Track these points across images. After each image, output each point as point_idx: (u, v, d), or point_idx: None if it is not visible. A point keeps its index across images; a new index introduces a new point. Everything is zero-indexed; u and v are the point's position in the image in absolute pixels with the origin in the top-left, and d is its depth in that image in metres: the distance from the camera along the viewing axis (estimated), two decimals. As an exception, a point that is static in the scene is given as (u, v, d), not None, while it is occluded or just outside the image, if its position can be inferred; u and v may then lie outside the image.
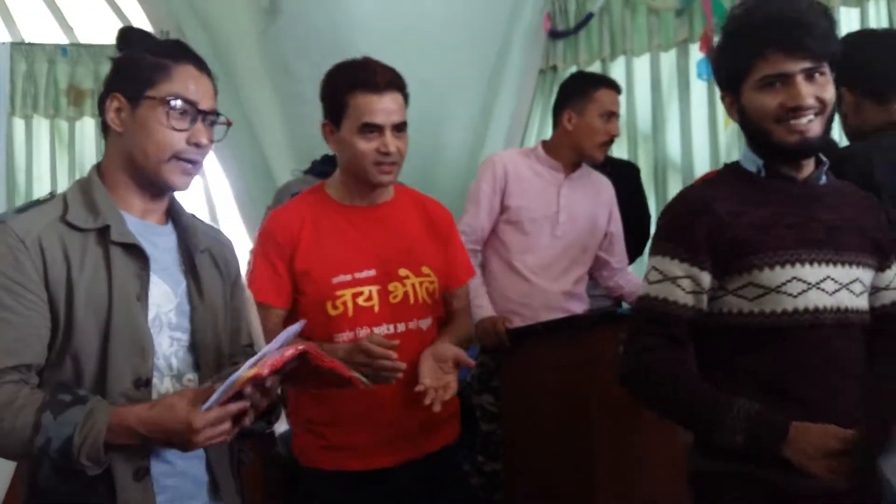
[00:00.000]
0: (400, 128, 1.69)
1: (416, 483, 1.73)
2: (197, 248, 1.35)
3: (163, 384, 1.27)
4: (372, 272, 1.70)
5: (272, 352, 1.18)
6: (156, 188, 1.30)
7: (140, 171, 1.28)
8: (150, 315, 1.26)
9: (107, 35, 4.43)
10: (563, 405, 2.10)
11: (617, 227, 2.63)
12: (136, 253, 1.25)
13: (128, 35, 1.36)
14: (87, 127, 4.31)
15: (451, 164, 3.57)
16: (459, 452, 1.90)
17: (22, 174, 4.25)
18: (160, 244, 1.32)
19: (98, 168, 1.32)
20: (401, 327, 1.71)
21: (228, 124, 1.34)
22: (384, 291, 1.70)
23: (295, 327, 1.28)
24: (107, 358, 1.21)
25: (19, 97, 4.21)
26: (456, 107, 3.53)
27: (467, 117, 3.64)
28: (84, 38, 4.40)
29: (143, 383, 1.23)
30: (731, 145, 3.37)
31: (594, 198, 2.57)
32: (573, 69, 3.68)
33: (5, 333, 1.16)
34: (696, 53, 3.41)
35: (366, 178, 1.70)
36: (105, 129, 1.31)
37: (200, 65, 1.31)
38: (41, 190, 4.27)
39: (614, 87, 2.59)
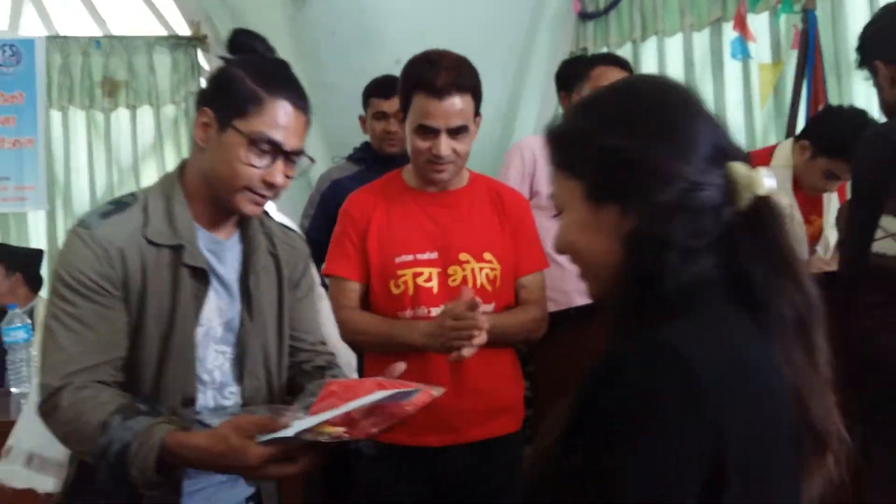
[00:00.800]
0: (459, 130, 1.70)
1: (466, 468, 1.74)
2: (255, 265, 1.34)
3: (206, 396, 1.29)
4: (434, 255, 1.75)
5: (358, 407, 1.06)
6: (226, 210, 1.29)
7: (214, 191, 1.27)
8: (202, 331, 1.28)
9: (139, 26, 4.49)
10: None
11: None
12: (201, 274, 1.27)
13: (239, 40, 1.33)
14: (122, 118, 4.37)
15: (480, 149, 3.55)
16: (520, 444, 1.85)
17: (60, 164, 4.32)
18: (224, 259, 1.32)
19: (181, 170, 1.32)
20: None
21: (311, 161, 1.30)
22: (443, 274, 1.75)
23: (384, 394, 1.11)
24: (161, 374, 1.23)
25: (55, 89, 4.26)
26: (484, 91, 3.51)
27: (496, 102, 3.61)
28: (117, 30, 4.45)
29: (189, 402, 1.25)
30: (767, 125, 3.32)
31: None
32: (604, 51, 3.64)
33: (97, 331, 1.19)
34: (729, 33, 3.35)
35: (421, 174, 1.77)
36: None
37: (297, 99, 1.25)
38: (79, 180, 4.35)
39: (615, 63, 2.52)
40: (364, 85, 2.75)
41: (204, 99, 1.28)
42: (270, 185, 1.24)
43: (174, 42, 4.36)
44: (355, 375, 1.63)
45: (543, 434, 0.80)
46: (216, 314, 1.30)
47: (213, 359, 1.30)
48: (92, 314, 1.18)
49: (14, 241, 4.20)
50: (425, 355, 1.67)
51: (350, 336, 1.78)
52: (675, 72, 3.51)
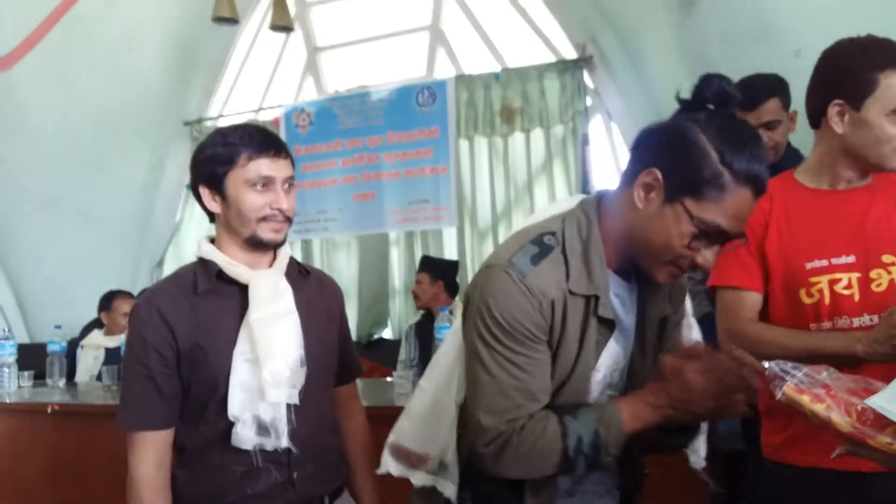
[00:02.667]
0: None
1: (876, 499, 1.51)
2: (655, 316, 1.31)
3: None
4: (851, 258, 1.58)
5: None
6: (637, 266, 1.25)
7: (633, 250, 1.22)
8: (598, 376, 1.28)
9: (531, 56, 4.89)
10: None
11: None
12: (608, 323, 1.25)
13: (710, 87, 1.18)
14: (518, 141, 4.79)
15: None
16: None
17: (468, 187, 4.88)
18: (627, 303, 1.30)
19: (598, 209, 1.27)
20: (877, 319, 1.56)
21: (744, 241, 1.22)
22: (865, 279, 1.57)
23: None
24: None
25: (462, 121, 4.85)
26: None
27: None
28: (512, 62, 4.92)
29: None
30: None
31: None
32: None
33: (538, 379, 1.20)
34: None
35: (879, 163, 1.58)
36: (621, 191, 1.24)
37: (760, 184, 1.15)
38: (483, 199, 4.86)
39: None
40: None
41: (654, 159, 1.17)
42: (693, 266, 1.19)
43: (562, 66, 4.66)
44: None
45: None
46: (613, 360, 1.29)
47: (604, 397, 1.30)
48: (529, 361, 1.19)
49: (433, 253, 4.86)
50: (854, 369, 1.49)
51: (751, 349, 1.59)
52: None
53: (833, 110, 1.57)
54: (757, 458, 1.72)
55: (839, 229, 1.60)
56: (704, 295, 2.62)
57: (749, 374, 1.14)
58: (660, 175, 1.15)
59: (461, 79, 4.86)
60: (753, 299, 1.64)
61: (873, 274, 1.56)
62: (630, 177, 1.21)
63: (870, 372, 1.42)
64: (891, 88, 1.51)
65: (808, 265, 1.58)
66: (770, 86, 2.45)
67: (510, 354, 1.18)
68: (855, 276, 1.56)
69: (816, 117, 1.63)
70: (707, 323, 2.57)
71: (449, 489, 1.34)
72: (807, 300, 1.58)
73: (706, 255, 1.16)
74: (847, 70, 1.55)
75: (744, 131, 1.15)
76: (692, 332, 1.48)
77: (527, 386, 1.18)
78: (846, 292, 1.56)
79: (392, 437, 1.47)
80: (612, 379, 1.30)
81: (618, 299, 1.26)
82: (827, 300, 1.57)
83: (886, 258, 1.56)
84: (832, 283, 1.57)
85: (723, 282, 1.67)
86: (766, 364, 1.11)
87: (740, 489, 2.67)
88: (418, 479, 1.41)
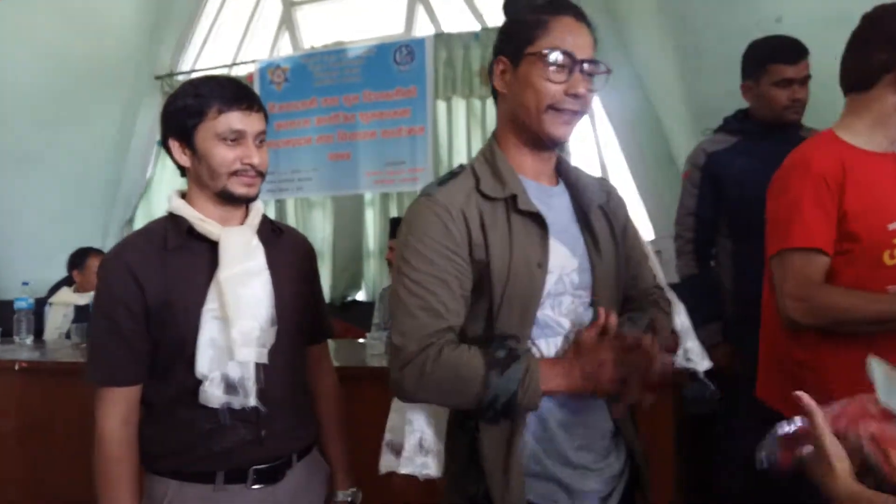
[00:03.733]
0: None
1: None
2: (590, 205, 1.37)
3: (563, 342, 1.33)
4: None
5: None
6: (540, 143, 1.33)
7: (523, 127, 1.32)
8: (553, 279, 1.30)
9: (511, 16, 4.81)
10: None
11: None
12: (538, 220, 1.29)
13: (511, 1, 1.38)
14: (497, 103, 4.74)
15: None
16: None
17: (444, 149, 4.82)
18: (555, 205, 1.36)
19: (495, 135, 1.38)
20: None
21: (608, 72, 1.31)
22: None
23: None
24: (494, 321, 1.27)
25: (441, 82, 4.76)
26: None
27: None
28: (493, 21, 4.82)
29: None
30: None
31: None
32: None
33: (446, 294, 1.25)
34: None
35: None
36: (494, 94, 1.37)
37: (579, 15, 1.31)
38: (460, 162, 4.78)
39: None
40: (738, 47, 2.60)
41: (495, 53, 1.35)
42: (574, 97, 1.27)
43: (543, 28, 4.58)
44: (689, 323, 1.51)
45: None
46: (566, 260, 1.32)
47: (570, 303, 1.33)
48: (434, 281, 1.24)
49: (408, 215, 4.82)
50: None
51: (827, 315, 1.59)
52: None
53: None
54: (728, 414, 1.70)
55: None
56: (692, 255, 2.63)
57: (652, 359, 1.23)
58: (503, 57, 1.33)
59: (440, 37, 4.77)
60: (825, 262, 1.62)
61: None
62: (493, 89, 1.37)
63: None
64: None
65: (891, 226, 1.58)
66: (804, 46, 2.47)
67: (416, 275, 1.25)
68: None
69: (867, 80, 1.65)
70: (690, 284, 2.61)
71: (433, 469, 1.38)
72: (889, 262, 1.58)
73: (574, 83, 1.27)
74: None
75: None
76: (681, 317, 1.47)
77: (429, 304, 1.24)
78: None
79: (387, 436, 1.48)
80: (573, 279, 1.33)
81: (542, 203, 1.31)
82: None
83: None
84: None
85: (797, 243, 1.63)
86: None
87: (710, 450, 2.72)
88: (407, 468, 1.43)
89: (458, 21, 4.95)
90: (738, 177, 2.49)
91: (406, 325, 1.24)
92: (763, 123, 2.53)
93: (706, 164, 2.59)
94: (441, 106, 4.81)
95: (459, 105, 4.79)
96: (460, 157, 4.80)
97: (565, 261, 1.32)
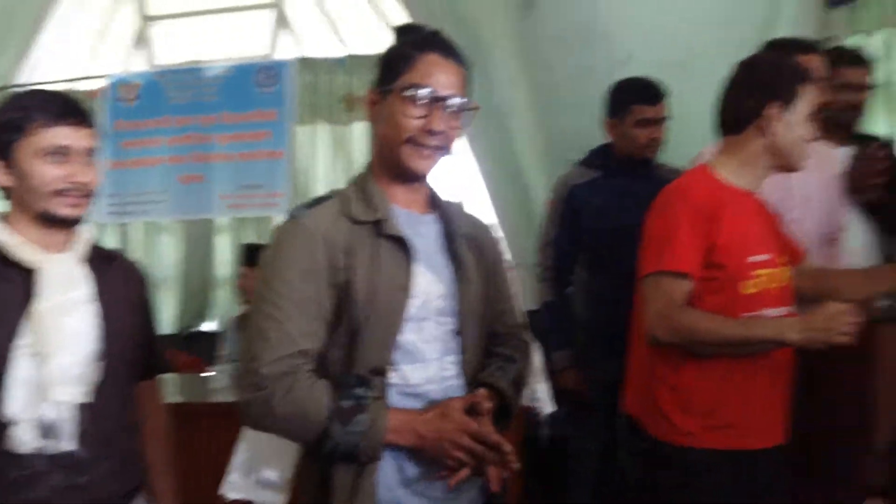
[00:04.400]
0: None
1: (778, 470, 1.73)
2: (457, 233, 1.39)
3: (427, 370, 1.32)
4: (768, 255, 1.74)
5: None
6: (402, 175, 1.34)
7: (388, 158, 1.33)
8: (417, 304, 1.30)
9: (380, 46, 4.82)
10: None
11: (838, 196, 2.30)
12: (403, 245, 1.30)
13: (399, 31, 1.42)
14: (360, 130, 4.69)
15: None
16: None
17: (305, 176, 4.73)
18: (423, 233, 1.37)
19: (370, 161, 1.40)
20: (783, 311, 1.74)
21: (475, 108, 1.34)
22: (778, 275, 1.75)
23: None
24: (356, 345, 1.27)
25: (304, 107, 4.65)
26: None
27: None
28: (359, 49, 4.80)
29: (380, 372, 1.28)
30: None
31: (818, 169, 2.18)
32: (854, 39, 3.32)
33: (303, 318, 1.24)
34: None
35: (796, 164, 1.76)
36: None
37: (447, 52, 1.32)
38: (320, 189, 4.70)
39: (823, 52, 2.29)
40: (590, 86, 2.72)
41: (371, 85, 1.36)
42: (431, 133, 1.28)
43: (408, 58, 4.62)
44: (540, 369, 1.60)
45: None
46: (431, 286, 1.33)
47: (434, 329, 1.33)
48: (289, 305, 1.23)
49: (264, 241, 4.68)
50: (773, 355, 1.68)
51: (685, 336, 1.67)
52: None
53: (772, 112, 1.70)
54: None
55: (759, 228, 1.76)
56: (551, 283, 2.70)
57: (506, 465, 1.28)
58: (374, 89, 1.35)
59: (305, 62, 4.68)
60: (689, 287, 1.70)
61: (780, 271, 1.75)
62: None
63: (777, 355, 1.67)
64: (810, 96, 1.71)
65: (750, 259, 1.71)
66: (662, 89, 2.64)
67: (275, 298, 1.24)
68: (773, 271, 1.73)
69: (739, 123, 1.76)
70: (548, 310, 2.68)
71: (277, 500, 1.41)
72: (745, 291, 1.69)
73: (432, 120, 1.28)
74: (779, 76, 1.72)
75: (417, 28, 1.39)
76: (534, 359, 1.57)
77: (284, 328, 1.23)
78: (771, 286, 1.72)
79: (236, 459, 1.49)
80: (438, 305, 1.33)
81: (410, 229, 1.33)
82: (760, 292, 1.70)
83: (781, 259, 1.77)
84: (764, 277, 1.71)
85: (667, 266, 1.70)
86: None
87: (562, 472, 2.78)
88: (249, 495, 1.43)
89: (323, 46, 4.90)
90: (596, 211, 2.61)
91: (258, 348, 1.22)
92: (623, 160, 2.66)
93: (567, 197, 2.69)
94: (303, 131, 4.71)
95: (323, 131, 4.73)
96: (321, 184, 4.73)
97: (431, 286, 1.33)
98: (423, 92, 1.28)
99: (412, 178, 1.35)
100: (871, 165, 2.23)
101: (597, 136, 2.72)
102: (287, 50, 4.99)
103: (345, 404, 1.22)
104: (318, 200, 1.34)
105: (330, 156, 4.73)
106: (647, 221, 1.79)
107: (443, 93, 1.29)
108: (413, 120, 1.28)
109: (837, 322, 1.54)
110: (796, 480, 1.82)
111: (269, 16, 5.06)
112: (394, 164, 1.33)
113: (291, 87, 4.57)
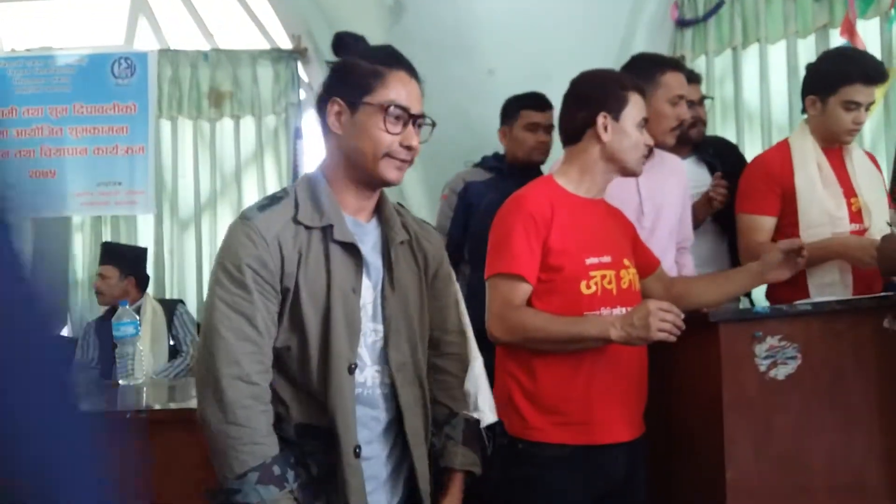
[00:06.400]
0: None
1: (627, 466, 1.83)
2: (394, 240, 1.44)
3: (362, 373, 1.39)
4: (608, 258, 1.84)
5: None
6: (370, 184, 1.42)
7: (356, 168, 1.40)
8: (368, 311, 1.40)
9: (244, 40, 4.68)
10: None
11: (687, 206, 2.50)
12: (353, 251, 1.38)
13: (343, 40, 1.47)
14: (227, 127, 4.54)
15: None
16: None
17: (168, 171, 4.53)
18: (366, 241, 1.43)
19: (323, 168, 1.45)
20: (624, 311, 1.82)
21: (433, 125, 1.44)
22: (618, 277, 1.85)
23: None
24: (328, 347, 1.34)
25: (166, 100, 4.47)
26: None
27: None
28: (224, 44, 4.66)
29: (353, 369, 1.36)
30: (876, 134, 3.16)
31: (670, 180, 2.40)
32: (702, 59, 3.56)
33: (257, 316, 1.31)
34: (837, 39, 3.22)
35: (633, 168, 1.90)
36: (325, 129, 1.43)
37: (411, 70, 1.42)
38: (185, 186, 4.54)
39: (682, 69, 2.50)
40: (457, 96, 2.81)
41: (329, 92, 1.41)
42: (409, 149, 1.38)
43: (276, 55, 4.52)
44: (484, 376, 1.68)
45: None
46: (367, 292, 1.41)
47: (370, 334, 1.40)
48: (245, 302, 1.31)
49: (124, 240, 4.44)
50: (605, 350, 1.77)
51: (518, 334, 1.78)
52: (779, 80, 3.40)
53: (601, 121, 1.84)
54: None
55: (599, 232, 1.87)
56: (461, 277, 2.78)
57: None
58: (339, 99, 1.39)
59: (165, 53, 4.48)
60: (526, 288, 1.81)
61: (622, 273, 1.86)
62: (324, 124, 1.43)
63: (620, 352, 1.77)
64: (637, 104, 1.86)
65: (588, 261, 1.81)
66: (549, 100, 2.91)
67: (228, 297, 1.30)
68: (613, 272, 1.84)
69: (575, 134, 1.90)
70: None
71: None
72: (585, 291, 1.80)
73: (408, 136, 1.37)
74: (605, 88, 1.88)
75: (375, 46, 1.46)
76: (476, 369, 1.64)
77: (239, 326, 1.30)
78: (609, 287, 1.83)
79: None
80: (368, 311, 1.41)
81: (357, 236, 1.39)
82: (599, 292, 1.81)
83: (625, 261, 1.89)
84: (603, 277, 1.82)
85: (505, 269, 1.81)
86: None
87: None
88: None
89: (185, 38, 4.70)
90: (485, 209, 2.72)
91: (215, 345, 1.29)
92: (514, 165, 2.92)
93: (463, 192, 2.94)
94: (165, 125, 4.52)
95: (186, 126, 4.55)
96: (187, 182, 4.54)
97: (367, 292, 1.41)
98: (401, 111, 1.36)
99: (380, 186, 1.44)
100: (713, 198, 2.56)
101: (467, 145, 2.80)
102: (146, 41, 4.75)
103: (275, 469, 1.28)
104: (270, 201, 1.39)
105: (195, 151, 4.53)
106: (491, 228, 1.91)
107: (414, 110, 1.39)
108: (390, 135, 1.36)
109: (654, 319, 1.64)
110: (660, 472, 1.95)
111: (125, 3, 4.80)
112: (365, 173, 1.40)
113: (152, 80, 4.38)
